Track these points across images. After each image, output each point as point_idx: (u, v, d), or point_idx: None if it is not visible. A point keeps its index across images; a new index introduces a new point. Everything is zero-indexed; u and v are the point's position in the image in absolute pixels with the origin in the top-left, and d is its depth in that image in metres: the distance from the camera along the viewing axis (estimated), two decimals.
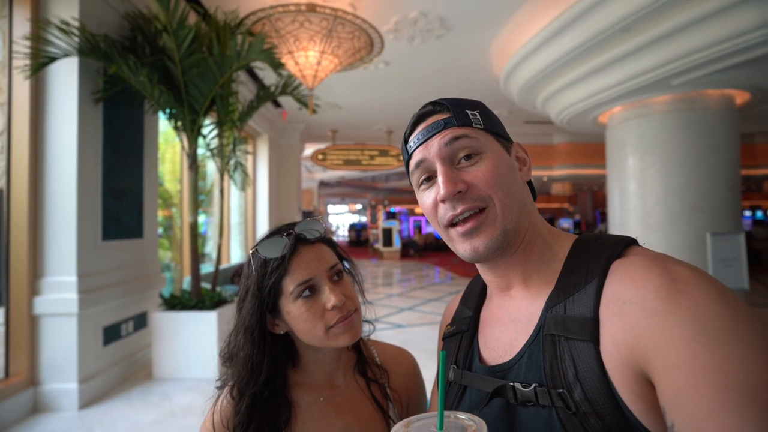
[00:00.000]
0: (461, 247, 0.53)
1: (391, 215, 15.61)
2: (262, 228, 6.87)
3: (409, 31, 4.09)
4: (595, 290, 0.45)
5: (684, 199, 4.31)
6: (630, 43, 3.54)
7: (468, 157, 0.52)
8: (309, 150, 9.70)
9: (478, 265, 0.59)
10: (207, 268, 4.88)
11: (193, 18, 3.45)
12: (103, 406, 2.68)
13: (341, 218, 23.96)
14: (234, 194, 6.49)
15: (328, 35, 3.68)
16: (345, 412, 0.70)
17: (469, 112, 0.55)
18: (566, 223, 16.16)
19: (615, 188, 4.99)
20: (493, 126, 0.56)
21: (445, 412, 0.41)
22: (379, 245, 13.79)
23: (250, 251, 0.67)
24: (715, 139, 4.31)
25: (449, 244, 0.56)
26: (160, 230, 4.66)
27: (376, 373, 0.75)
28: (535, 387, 0.46)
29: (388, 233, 13.46)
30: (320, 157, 8.70)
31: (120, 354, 3.11)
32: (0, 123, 2.62)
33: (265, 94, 3.77)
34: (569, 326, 0.45)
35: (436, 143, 0.53)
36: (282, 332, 0.68)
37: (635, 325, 0.40)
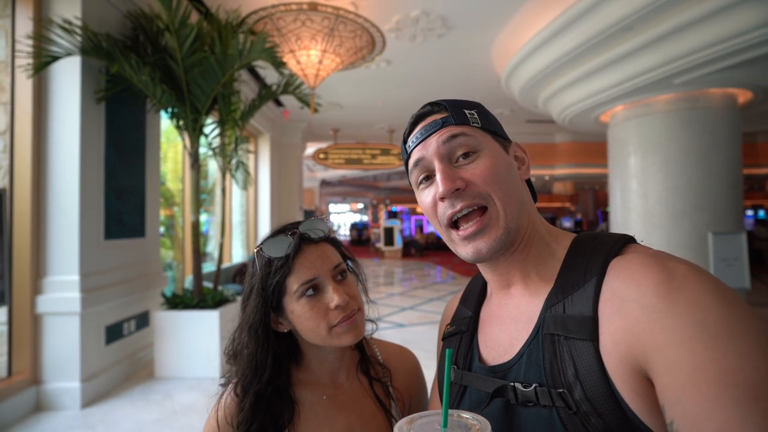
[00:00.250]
0: (463, 249, 0.53)
1: (392, 214, 15.62)
2: (264, 227, 6.88)
3: (410, 30, 4.09)
4: (594, 289, 0.46)
5: (686, 198, 4.30)
6: (631, 42, 3.53)
7: (466, 155, 0.53)
8: (311, 149, 9.71)
9: (478, 264, 0.59)
10: (208, 267, 4.89)
11: (194, 17, 3.46)
12: (105, 405, 2.69)
13: (343, 217, 23.97)
14: (236, 193, 6.50)
15: (329, 34, 3.68)
16: (348, 411, 0.70)
17: (466, 111, 0.55)
18: (568, 222, 16.13)
19: (617, 187, 4.98)
20: (490, 125, 0.56)
21: (450, 411, 0.41)
22: (380, 244, 13.80)
23: (255, 250, 0.68)
24: (717, 138, 4.29)
25: (450, 245, 0.56)
26: (162, 229, 4.67)
27: (378, 372, 0.76)
28: (535, 387, 0.46)
29: (389, 232, 13.47)
30: (322, 156, 8.70)
31: (122, 353, 3.12)
32: (3, 122, 2.63)
33: (267, 93, 3.78)
34: (568, 325, 0.45)
35: (434, 142, 0.54)
36: (286, 331, 0.69)
37: (634, 323, 0.41)
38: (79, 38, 2.63)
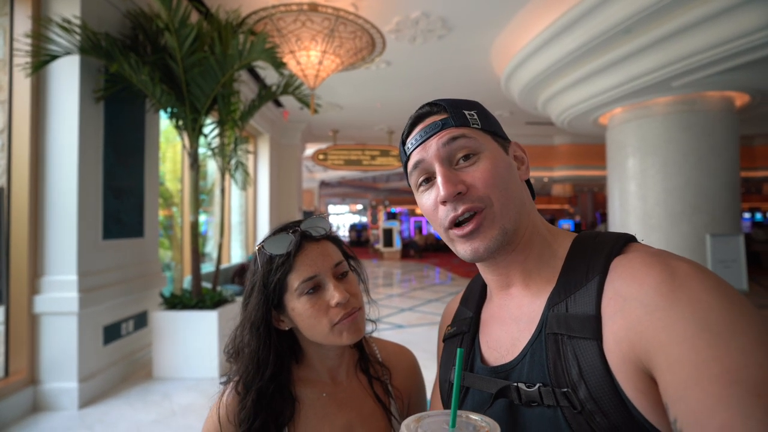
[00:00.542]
0: (461, 248, 0.53)
1: (391, 215, 15.61)
2: (263, 228, 6.87)
3: (410, 31, 4.09)
4: (597, 288, 0.46)
5: (684, 199, 4.32)
6: (631, 45, 3.54)
7: (466, 157, 0.52)
8: (310, 150, 9.71)
9: (478, 264, 0.59)
10: (207, 267, 4.88)
11: (194, 17, 3.46)
12: (103, 406, 2.67)
13: (342, 218, 23.95)
14: (235, 194, 6.49)
15: (329, 35, 3.69)
16: (347, 408, 0.71)
17: (466, 112, 0.55)
18: (566, 224, 16.16)
19: (615, 189, 5.00)
20: (490, 126, 0.56)
21: (458, 412, 0.41)
22: (379, 245, 13.79)
23: (257, 247, 0.68)
24: (715, 141, 4.32)
25: (449, 245, 0.56)
26: (161, 230, 4.66)
27: (378, 371, 0.76)
28: (539, 387, 0.46)
29: (388, 233, 13.46)
30: (321, 156, 8.70)
31: (120, 353, 3.11)
32: (0, 121, 2.62)
33: (267, 94, 3.78)
34: (572, 325, 0.45)
35: (434, 144, 0.53)
36: (287, 328, 0.69)
37: (637, 322, 0.41)
38: (78, 37, 2.62)
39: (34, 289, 2.64)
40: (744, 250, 4.07)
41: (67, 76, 2.70)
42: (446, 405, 0.61)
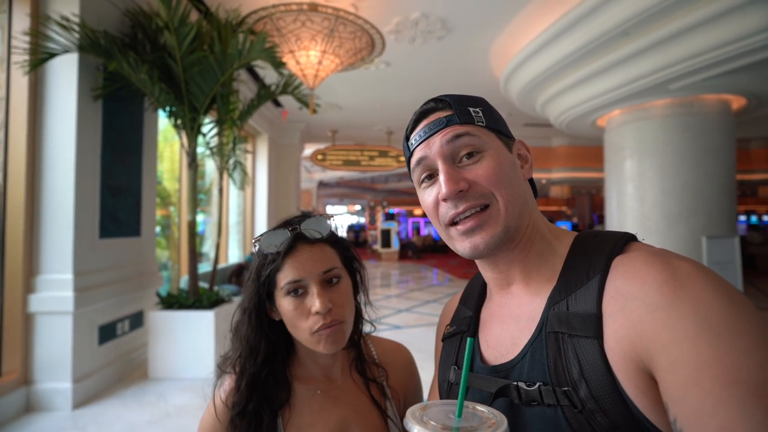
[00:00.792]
0: (461, 244, 0.53)
1: (389, 216, 15.60)
2: (261, 228, 6.86)
3: (410, 32, 4.10)
4: (598, 286, 0.45)
5: (681, 201, 4.34)
6: (629, 48, 3.56)
7: (470, 155, 0.52)
8: (308, 150, 9.70)
9: (477, 262, 0.59)
10: (204, 267, 4.86)
11: (194, 16, 3.45)
12: (97, 406, 2.65)
13: (340, 219, 23.94)
14: (233, 193, 6.47)
15: (329, 35, 3.69)
16: (342, 405, 0.70)
17: (471, 109, 0.54)
18: (564, 225, 16.19)
19: (613, 191, 5.01)
20: (495, 123, 0.55)
21: (465, 403, 0.40)
22: (377, 246, 13.78)
23: (254, 239, 0.69)
24: (712, 143, 4.34)
25: (448, 242, 0.55)
26: (158, 229, 4.64)
27: (374, 373, 0.75)
28: (539, 386, 0.45)
29: (386, 234, 13.46)
30: (320, 157, 8.69)
31: (115, 353, 3.08)
32: None
33: (266, 93, 3.77)
34: (573, 323, 0.45)
35: (437, 141, 0.53)
36: (278, 319, 0.69)
37: (638, 321, 0.40)
38: (76, 35, 2.61)
39: (28, 287, 2.62)
40: (739, 251, 4.10)
41: (65, 74, 2.69)
42: None
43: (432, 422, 0.38)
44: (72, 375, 2.63)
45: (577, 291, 0.47)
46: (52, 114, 2.68)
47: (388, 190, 19.31)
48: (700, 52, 3.29)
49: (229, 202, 6.44)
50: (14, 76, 2.61)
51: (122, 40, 3.01)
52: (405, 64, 4.94)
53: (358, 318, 0.76)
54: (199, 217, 5.77)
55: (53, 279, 2.64)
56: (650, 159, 4.50)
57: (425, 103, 0.57)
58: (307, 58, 3.85)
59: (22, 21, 2.61)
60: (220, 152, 3.59)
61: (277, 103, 6.69)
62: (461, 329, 0.61)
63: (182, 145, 3.36)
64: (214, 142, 3.60)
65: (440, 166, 0.52)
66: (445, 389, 0.60)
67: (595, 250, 0.49)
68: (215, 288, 3.57)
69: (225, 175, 3.84)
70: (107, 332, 3.00)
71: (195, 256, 3.37)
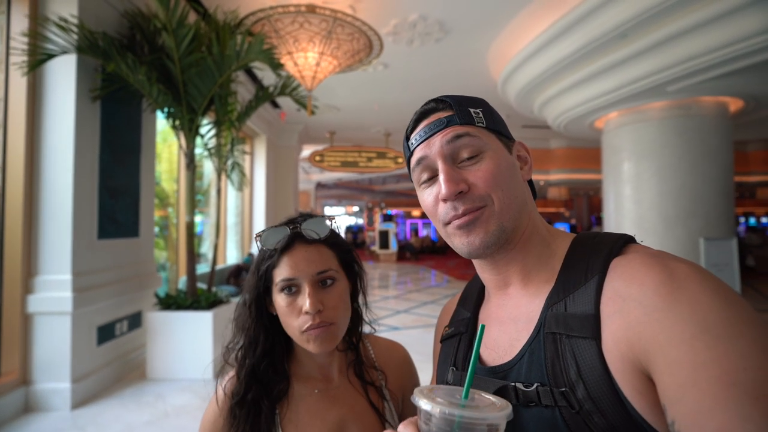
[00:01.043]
0: (458, 241, 0.53)
1: (387, 218, 15.61)
2: (259, 229, 6.83)
3: (408, 33, 4.11)
4: (596, 287, 0.45)
5: (678, 203, 4.36)
6: (626, 50, 3.58)
7: (470, 156, 0.52)
8: (307, 151, 9.69)
9: (476, 263, 0.59)
10: (202, 268, 4.85)
11: (192, 17, 3.45)
12: (96, 407, 2.65)
13: (339, 220, 23.87)
14: (231, 194, 6.46)
15: (327, 36, 3.69)
16: (340, 404, 0.70)
17: (471, 110, 0.55)
18: (562, 227, 16.23)
19: (610, 192, 5.03)
20: (495, 124, 0.56)
21: (471, 390, 0.41)
22: (375, 247, 13.78)
23: (256, 234, 0.71)
24: (710, 146, 4.36)
25: (447, 240, 0.56)
26: (156, 230, 4.63)
27: (373, 376, 0.75)
28: (537, 387, 0.46)
29: (384, 236, 13.46)
30: (318, 158, 8.69)
31: (114, 354, 3.08)
32: None
33: (264, 95, 3.77)
34: (570, 324, 0.45)
35: (437, 141, 0.53)
36: (276, 314, 0.70)
37: (635, 322, 0.41)
38: (75, 36, 2.61)
39: (27, 288, 2.62)
40: (737, 253, 4.12)
41: (63, 75, 2.69)
42: None
43: (439, 399, 0.39)
44: (70, 375, 2.63)
45: (575, 292, 0.47)
46: (50, 115, 2.67)
47: (386, 192, 19.31)
48: (698, 55, 3.30)
49: (227, 203, 6.43)
50: (13, 77, 2.60)
51: (120, 42, 3.01)
52: (403, 65, 4.95)
53: (357, 321, 0.76)
54: (197, 218, 5.76)
55: (52, 280, 2.64)
56: (648, 161, 4.52)
57: (426, 104, 0.57)
58: (305, 59, 3.85)
59: (20, 22, 2.61)
60: (218, 153, 3.59)
61: (275, 105, 6.69)
62: (460, 330, 0.61)
63: (180, 146, 3.36)
64: (212, 143, 3.59)
65: (440, 166, 0.52)
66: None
67: (594, 251, 0.49)
68: (213, 289, 3.57)
69: (223, 176, 3.84)
70: (106, 333, 2.99)
71: (193, 256, 3.37)
